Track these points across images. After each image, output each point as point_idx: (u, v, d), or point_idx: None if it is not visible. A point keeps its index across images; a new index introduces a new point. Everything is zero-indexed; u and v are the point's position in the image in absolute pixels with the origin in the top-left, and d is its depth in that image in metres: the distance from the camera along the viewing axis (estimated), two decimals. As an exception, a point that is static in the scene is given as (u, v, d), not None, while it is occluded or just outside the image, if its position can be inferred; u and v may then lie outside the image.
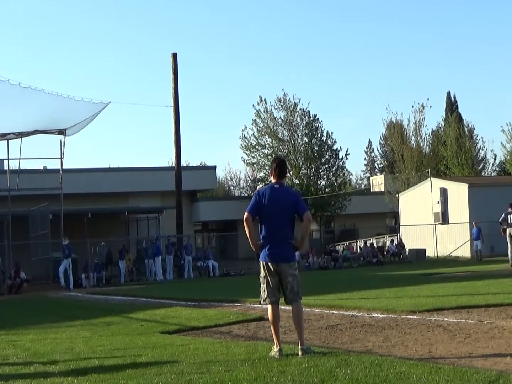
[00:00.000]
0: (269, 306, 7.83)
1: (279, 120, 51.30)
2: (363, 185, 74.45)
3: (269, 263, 7.74)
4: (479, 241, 32.40)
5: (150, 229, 40.27)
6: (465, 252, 35.82)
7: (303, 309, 7.98)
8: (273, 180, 8.00)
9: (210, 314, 13.02)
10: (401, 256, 36.68)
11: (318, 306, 13.05)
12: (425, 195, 39.45)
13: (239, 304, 15.10)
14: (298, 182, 49.99)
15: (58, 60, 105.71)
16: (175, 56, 35.15)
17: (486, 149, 57.09)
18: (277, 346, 7.60)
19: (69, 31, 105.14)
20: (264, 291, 7.77)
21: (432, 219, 38.29)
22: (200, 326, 11.25)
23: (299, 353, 7.44)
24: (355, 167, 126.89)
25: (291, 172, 49.49)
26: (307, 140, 51.23)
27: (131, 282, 29.77)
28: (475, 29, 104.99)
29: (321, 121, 51.81)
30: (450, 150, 54.00)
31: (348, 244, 41.43)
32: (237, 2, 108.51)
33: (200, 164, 66.57)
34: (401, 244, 37.79)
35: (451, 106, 65.63)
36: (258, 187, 56.36)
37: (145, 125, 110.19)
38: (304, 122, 51.49)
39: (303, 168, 50.98)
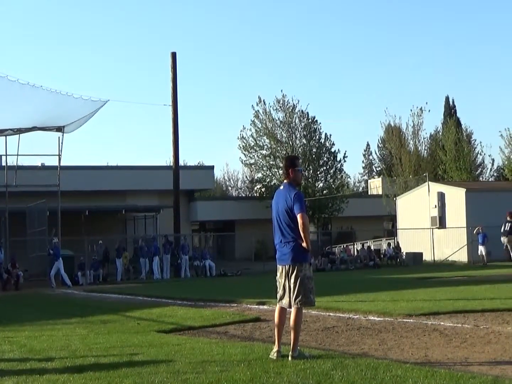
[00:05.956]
0: (276, 307, 7.87)
1: (278, 121, 51.28)
2: (360, 188, 74.48)
3: (278, 266, 7.80)
4: (484, 246, 32.45)
5: (147, 228, 40.23)
6: (462, 256, 35.84)
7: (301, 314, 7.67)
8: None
9: (207, 314, 13.01)
10: (398, 260, 36.70)
11: (314, 308, 13.02)
12: (422, 199, 39.47)
13: (235, 305, 15.09)
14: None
15: (57, 58, 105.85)
16: (174, 55, 35.06)
17: (484, 154, 57.33)
18: (276, 347, 7.61)
19: (68, 29, 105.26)
20: (277, 292, 7.81)
21: (430, 223, 38.32)
22: (197, 326, 11.24)
23: (289, 358, 7.42)
24: (353, 169, 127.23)
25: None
26: (305, 142, 51.21)
27: (128, 281, 29.77)
28: (474, 34, 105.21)
29: (320, 123, 51.91)
30: (449, 155, 54.06)
31: (345, 246, 41.41)
32: (237, 2, 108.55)
33: (198, 163, 66.63)
34: (398, 248, 37.82)
35: (450, 110, 65.60)
36: (255, 188, 56.47)
37: (144, 124, 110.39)
38: (303, 124, 51.47)
39: (301, 170, 50.84)
